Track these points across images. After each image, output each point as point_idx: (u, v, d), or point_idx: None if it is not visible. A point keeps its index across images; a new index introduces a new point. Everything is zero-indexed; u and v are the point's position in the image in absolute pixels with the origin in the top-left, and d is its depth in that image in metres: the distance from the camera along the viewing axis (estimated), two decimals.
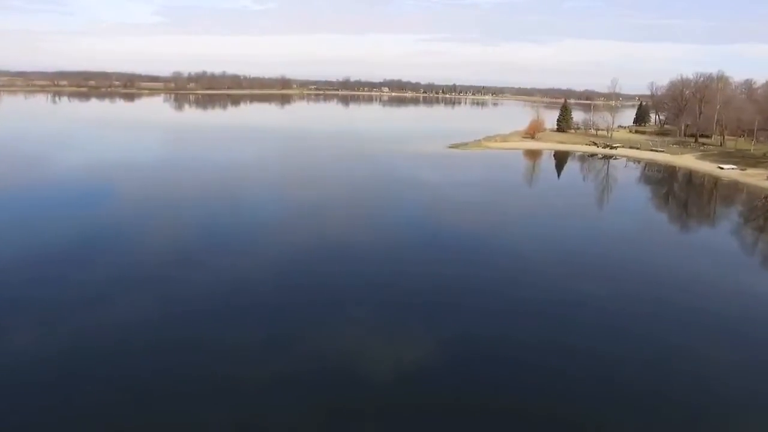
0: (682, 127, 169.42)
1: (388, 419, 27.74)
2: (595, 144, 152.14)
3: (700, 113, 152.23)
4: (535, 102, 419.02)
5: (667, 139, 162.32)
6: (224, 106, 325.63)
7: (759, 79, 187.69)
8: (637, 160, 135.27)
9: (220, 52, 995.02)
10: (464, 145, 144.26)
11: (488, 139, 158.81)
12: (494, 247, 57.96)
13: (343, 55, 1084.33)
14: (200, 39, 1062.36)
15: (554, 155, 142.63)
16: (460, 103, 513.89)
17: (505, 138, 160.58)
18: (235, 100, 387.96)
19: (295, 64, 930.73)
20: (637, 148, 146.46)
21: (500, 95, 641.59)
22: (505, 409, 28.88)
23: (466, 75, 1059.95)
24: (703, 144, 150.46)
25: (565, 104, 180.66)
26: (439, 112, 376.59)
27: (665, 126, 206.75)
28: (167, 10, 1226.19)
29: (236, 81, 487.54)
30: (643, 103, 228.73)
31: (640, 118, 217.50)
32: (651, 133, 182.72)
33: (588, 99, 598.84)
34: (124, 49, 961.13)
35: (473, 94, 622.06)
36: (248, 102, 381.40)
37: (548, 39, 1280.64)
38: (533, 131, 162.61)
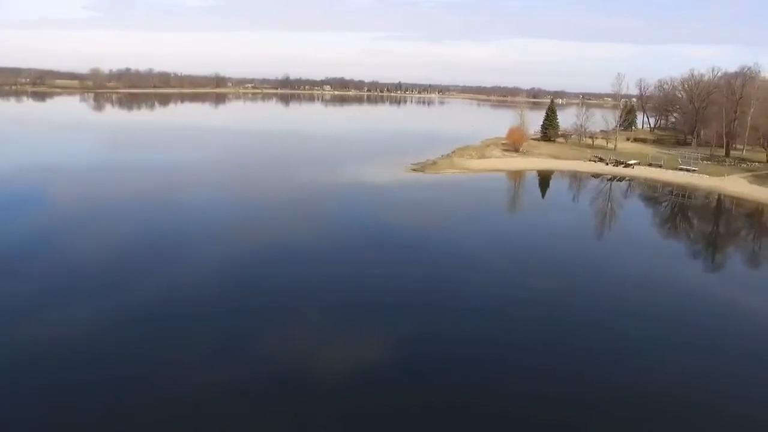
0: (695, 136, 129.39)
1: (347, 423, 25.34)
2: (601, 159, 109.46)
3: (735, 119, 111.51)
4: (514, 103, 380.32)
5: (686, 151, 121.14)
6: (136, 108, 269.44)
7: None
8: (669, 186, 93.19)
9: (155, 50, 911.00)
10: (432, 165, 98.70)
11: (460, 152, 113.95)
12: None
13: (283, 53, 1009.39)
14: (135, 35, 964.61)
15: (554, 179, 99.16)
16: (405, 101, 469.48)
17: (480, 152, 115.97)
18: (163, 100, 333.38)
19: (233, 62, 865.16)
20: (659, 166, 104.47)
21: (446, 93, 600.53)
22: (466, 408, 26.28)
23: (411, 73, 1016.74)
24: (743, 160, 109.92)
25: (552, 106, 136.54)
26: (387, 112, 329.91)
27: (656, 131, 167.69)
28: (99, 4, 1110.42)
29: (164, 79, 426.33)
30: (629, 103, 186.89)
31: (626, 121, 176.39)
32: (656, 143, 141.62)
33: (535, 97, 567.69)
34: (50, 47, 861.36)
35: (419, 92, 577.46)
36: (176, 102, 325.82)
37: (492, 38, 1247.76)
38: (516, 142, 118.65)
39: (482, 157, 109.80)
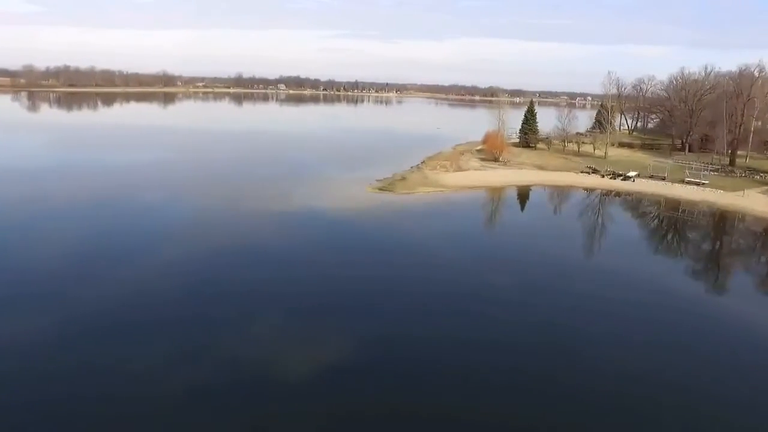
0: (684, 140, 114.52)
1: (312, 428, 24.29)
2: (596, 171, 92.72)
3: (741, 124, 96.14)
4: (472, 102, 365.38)
5: (683, 158, 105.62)
6: (72, 109, 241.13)
7: None
8: (681, 204, 76.92)
9: (100, 47, 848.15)
10: (401, 181, 79.67)
11: (431, 163, 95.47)
12: None
13: (236, 51, 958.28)
14: (78, 31, 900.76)
15: (548, 197, 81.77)
16: (363, 100, 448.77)
17: (455, 162, 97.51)
18: (104, 100, 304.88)
19: (182, 61, 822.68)
20: (663, 178, 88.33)
21: (404, 92, 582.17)
22: (427, 411, 25.52)
23: (368, 72, 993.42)
24: (752, 170, 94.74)
25: (531, 107, 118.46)
26: (344, 112, 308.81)
27: (635, 133, 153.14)
28: None
29: (108, 77, 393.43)
30: (604, 104, 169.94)
31: (599, 122, 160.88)
32: (644, 148, 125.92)
33: (493, 96, 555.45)
34: None
35: (376, 91, 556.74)
36: (118, 102, 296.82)
37: (448, 37, 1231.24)
38: (495, 150, 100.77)
39: (459, 169, 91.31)
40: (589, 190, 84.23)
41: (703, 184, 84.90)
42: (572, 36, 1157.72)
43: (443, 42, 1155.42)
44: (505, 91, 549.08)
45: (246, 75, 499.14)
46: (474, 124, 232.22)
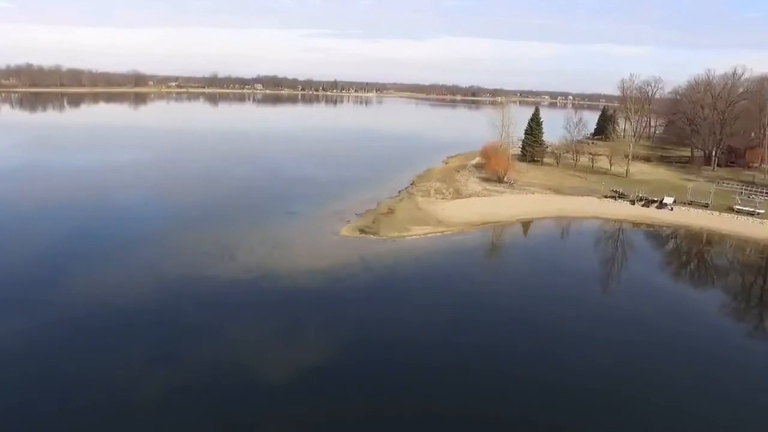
0: (713, 153, 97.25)
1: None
2: (623, 195, 74.57)
3: None
4: (454, 102, 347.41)
5: (711, 175, 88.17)
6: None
7: None
8: (740, 245, 59.37)
9: (67, 45, 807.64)
10: (387, 215, 60.53)
11: (423, 185, 76.56)
12: None
13: (211, 50, 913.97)
14: (47, 29, 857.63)
15: (579, 235, 63.26)
16: (342, 100, 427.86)
17: (452, 184, 78.58)
18: (71, 100, 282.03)
19: (155, 60, 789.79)
20: (705, 205, 70.50)
21: (384, 92, 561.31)
22: (411, 411, 25.07)
23: (348, 71, 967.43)
24: None
25: (537, 114, 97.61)
26: (321, 113, 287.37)
27: (642, 141, 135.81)
28: None
29: (75, 76, 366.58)
30: (607, 107, 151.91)
31: (602, 128, 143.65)
32: (662, 160, 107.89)
33: (474, 95, 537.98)
34: None
35: (356, 91, 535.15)
36: (87, 103, 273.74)
37: (429, 36, 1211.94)
38: (499, 169, 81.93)
39: (457, 194, 72.38)
40: (621, 223, 66.06)
41: (759, 213, 67.38)
42: (551, 35, 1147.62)
43: (424, 41, 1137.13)
44: (486, 91, 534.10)
45: (222, 75, 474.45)
46: (460, 125, 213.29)
